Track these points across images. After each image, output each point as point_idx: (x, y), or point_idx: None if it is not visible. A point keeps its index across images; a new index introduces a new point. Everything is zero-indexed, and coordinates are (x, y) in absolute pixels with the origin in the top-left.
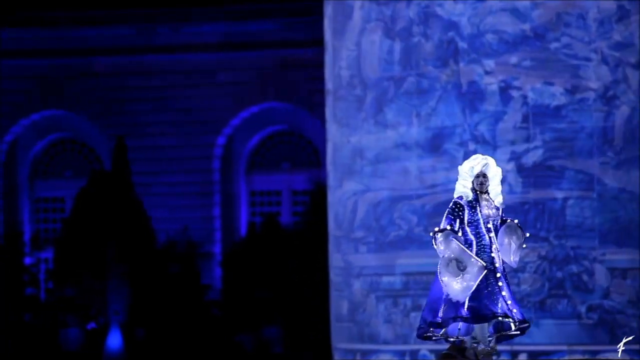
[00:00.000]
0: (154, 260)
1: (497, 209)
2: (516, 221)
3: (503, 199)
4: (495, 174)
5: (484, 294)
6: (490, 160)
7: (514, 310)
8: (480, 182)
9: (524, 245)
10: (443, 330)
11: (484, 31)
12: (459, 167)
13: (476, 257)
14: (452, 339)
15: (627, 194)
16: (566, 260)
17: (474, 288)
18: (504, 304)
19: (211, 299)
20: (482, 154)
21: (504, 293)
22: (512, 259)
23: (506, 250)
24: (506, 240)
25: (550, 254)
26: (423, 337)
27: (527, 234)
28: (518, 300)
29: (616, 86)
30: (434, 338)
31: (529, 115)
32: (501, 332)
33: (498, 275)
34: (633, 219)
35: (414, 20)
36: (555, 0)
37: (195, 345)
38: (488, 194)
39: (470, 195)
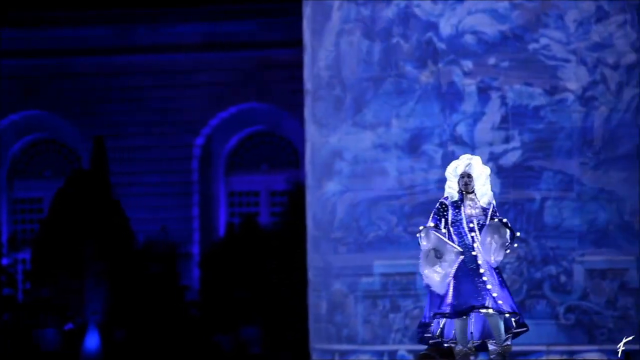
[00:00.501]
0: (132, 261)
1: (484, 209)
2: (504, 220)
3: (492, 197)
4: (480, 173)
5: (466, 290)
6: (475, 160)
7: (500, 302)
8: (465, 182)
9: (516, 245)
10: (439, 332)
11: (463, 32)
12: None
13: (453, 244)
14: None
15: (606, 195)
16: (545, 261)
17: (451, 275)
18: (489, 298)
19: (190, 300)
20: (464, 155)
21: (489, 287)
22: (493, 258)
23: (487, 249)
24: (487, 239)
25: (529, 254)
26: (427, 342)
27: (517, 233)
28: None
29: (595, 87)
30: (445, 345)
31: (508, 116)
32: (509, 331)
33: (482, 271)
34: (612, 219)
35: (393, 21)
36: (533, 1)
37: (173, 345)
38: (474, 193)
39: (456, 196)
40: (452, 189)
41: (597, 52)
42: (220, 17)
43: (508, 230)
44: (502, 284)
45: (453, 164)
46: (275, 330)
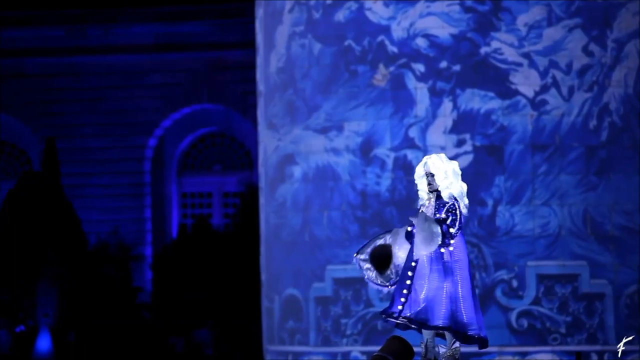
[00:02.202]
0: (84, 263)
1: (445, 204)
2: (442, 216)
3: (456, 192)
4: (439, 169)
5: (395, 291)
6: (432, 158)
7: (400, 307)
8: (428, 182)
9: (451, 243)
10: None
11: (415, 35)
12: None
13: (381, 280)
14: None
15: (558, 200)
16: (496, 266)
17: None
18: (399, 302)
19: (142, 302)
20: (416, 159)
21: (404, 291)
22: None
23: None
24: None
25: (481, 259)
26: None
27: (452, 230)
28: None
29: (546, 91)
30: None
31: (459, 120)
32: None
33: (409, 274)
34: (563, 224)
35: (345, 24)
36: (485, 4)
37: (126, 348)
38: (439, 192)
39: (425, 197)
40: (422, 192)
41: (549, 56)
42: (173, 18)
43: (434, 226)
44: (433, 286)
45: (417, 167)
46: (228, 332)
